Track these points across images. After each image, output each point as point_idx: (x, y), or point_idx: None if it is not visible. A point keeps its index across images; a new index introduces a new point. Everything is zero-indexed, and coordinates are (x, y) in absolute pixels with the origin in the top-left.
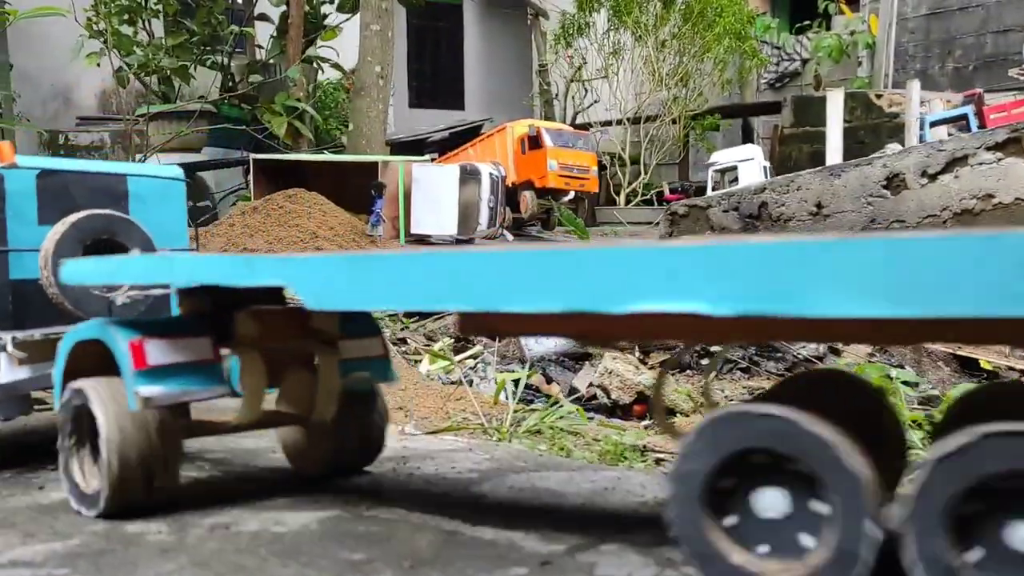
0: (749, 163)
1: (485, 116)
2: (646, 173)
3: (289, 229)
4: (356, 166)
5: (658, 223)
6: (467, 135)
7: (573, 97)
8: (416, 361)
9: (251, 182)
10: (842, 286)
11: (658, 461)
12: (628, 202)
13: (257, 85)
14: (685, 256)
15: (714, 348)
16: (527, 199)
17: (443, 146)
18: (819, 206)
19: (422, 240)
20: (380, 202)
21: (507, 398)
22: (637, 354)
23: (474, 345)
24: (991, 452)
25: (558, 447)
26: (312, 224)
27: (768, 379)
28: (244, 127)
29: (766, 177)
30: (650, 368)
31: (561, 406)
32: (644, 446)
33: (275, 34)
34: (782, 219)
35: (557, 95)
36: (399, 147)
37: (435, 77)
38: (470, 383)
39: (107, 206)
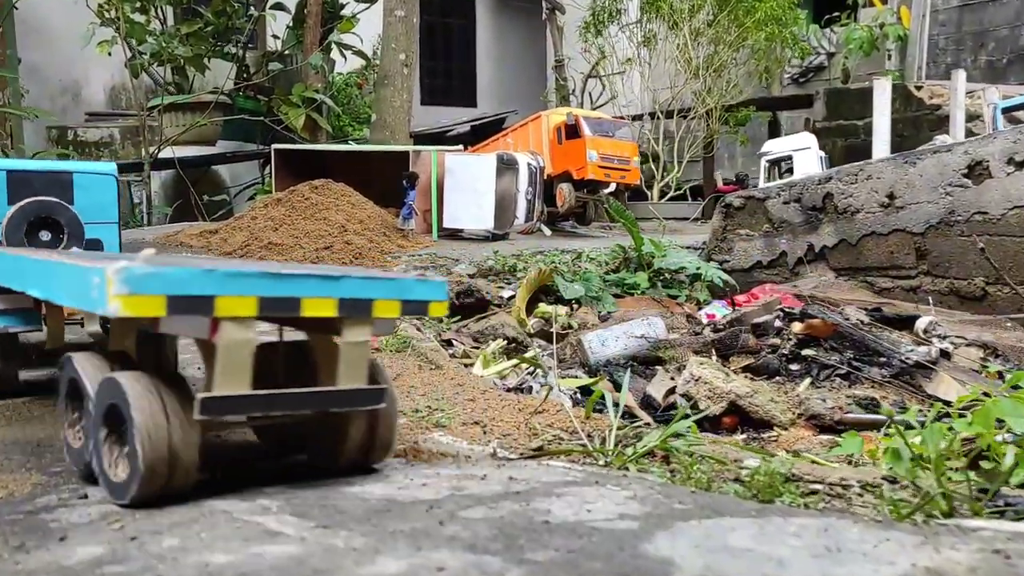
0: (805, 152)
1: (502, 111)
2: (679, 167)
3: (316, 222)
4: (384, 157)
5: (696, 218)
6: (489, 129)
7: (590, 93)
8: (466, 366)
9: (272, 174)
10: None
11: (812, 492)
12: (661, 196)
13: (274, 75)
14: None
15: (806, 352)
16: (564, 192)
17: (463, 141)
18: (891, 197)
19: (455, 235)
20: (412, 194)
21: (568, 401)
22: (714, 358)
23: (528, 348)
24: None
25: (694, 479)
26: (340, 217)
27: (872, 386)
28: (260, 119)
29: (823, 167)
30: (737, 374)
31: (657, 424)
32: (792, 474)
33: (291, 24)
34: (849, 211)
35: (574, 90)
36: (419, 141)
37: (448, 74)
38: (529, 390)
39: (58, 194)
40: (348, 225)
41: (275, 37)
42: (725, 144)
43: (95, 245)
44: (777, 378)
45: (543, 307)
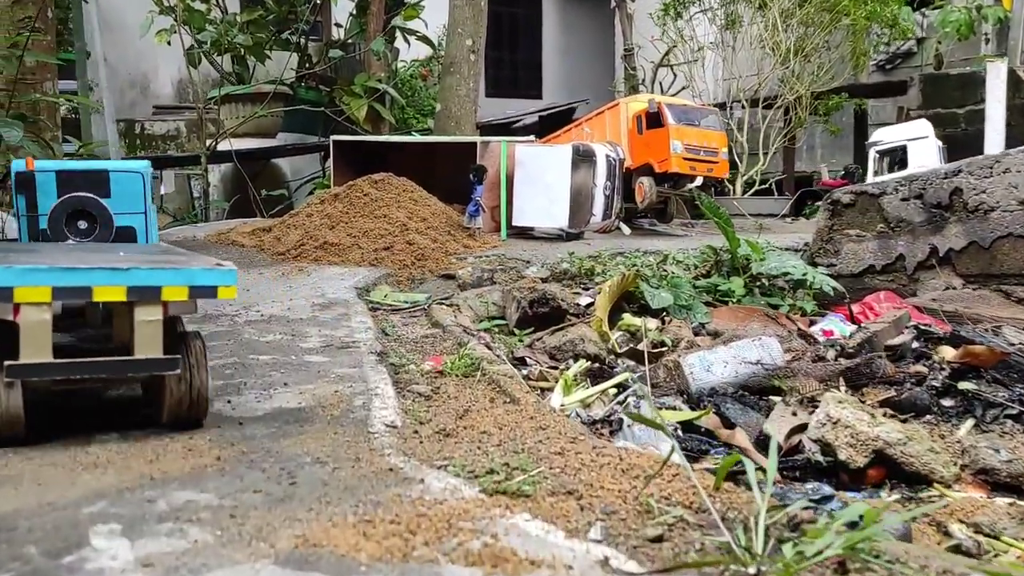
0: (922, 142)
1: (572, 101)
2: (764, 159)
3: (376, 220)
4: (449, 149)
5: (784, 215)
6: (558, 120)
7: (661, 82)
8: (542, 390)
9: (330, 167)
10: None
11: None
12: (745, 191)
13: (336, 62)
14: None
15: (963, 385)
16: (644, 187)
17: (531, 132)
18: None
19: (525, 233)
20: (480, 189)
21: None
22: (843, 388)
23: (615, 370)
24: None
25: None
26: (402, 215)
27: None
28: (320, 110)
29: (942, 159)
30: (885, 415)
31: (786, 479)
32: None
33: (354, 11)
34: (981, 209)
35: (644, 80)
36: (485, 132)
37: (513, 65)
38: (619, 424)
39: (96, 190)
40: (410, 223)
41: (338, 26)
42: (803, 135)
43: (127, 232)
44: (927, 417)
45: (628, 318)
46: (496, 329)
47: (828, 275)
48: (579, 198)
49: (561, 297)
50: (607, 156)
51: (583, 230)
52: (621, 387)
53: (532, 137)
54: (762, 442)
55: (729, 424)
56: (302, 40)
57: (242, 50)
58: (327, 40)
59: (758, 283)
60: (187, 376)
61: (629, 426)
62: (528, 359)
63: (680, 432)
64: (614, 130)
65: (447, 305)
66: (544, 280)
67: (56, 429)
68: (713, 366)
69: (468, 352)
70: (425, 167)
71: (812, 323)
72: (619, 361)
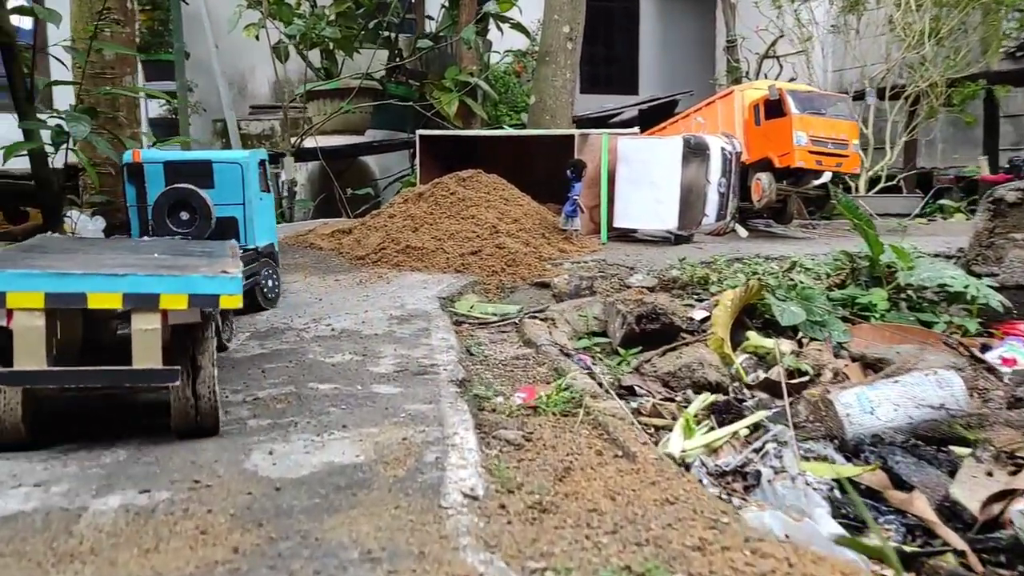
0: None
1: (674, 92)
2: (891, 153)
3: (463, 221)
4: (543, 143)
5: (917, 214)
6: (659, 113)
7: (766, 74)
8: (656, 429)
9: (417, 163)
10: None
11: None
12: (870, 188)
13: (425, 54)
14: None
15: None
16: (763, 183)
17: (630, 127)
18: None
19: (628, 236)
20: (578, 187)
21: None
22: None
23: (744, 404)
24: None
25: None
26: (491, 215)
27: None
28: (409, 105)
29: None
30: None
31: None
32: None
33: (446, 3)
34: None
35: (747, 72)
36: (581, 127)
37: (608, 60)
38: (756, 478)
39: (200, 181)
40: (500, 225)
41: (429, 18)
42: (934, 126)
43: (228, 223)
44: None
45: (755, 338)
46: (597, 348)
47: (992, 287)
48: (690, 196)
49: (672, 310)
50: (723, 149)
51: (694, 232)
52: (754, 428)
53: (636, 129)
54: (948, 510)
55: (899, 483)
56: (392, 34)
57: (330, 44)
58: (419, 33)
59: (903, 295)
60: (191, 388)
61: (770, 481)
62: (638, 388)
63: (837, 492)
64: (727, 121)
65: (541, 319)
66: (651, 290)
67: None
68: (878, 407)
69: (567, 382)
70: (518, 164)
71: (984, 348)
72: (748, 393)
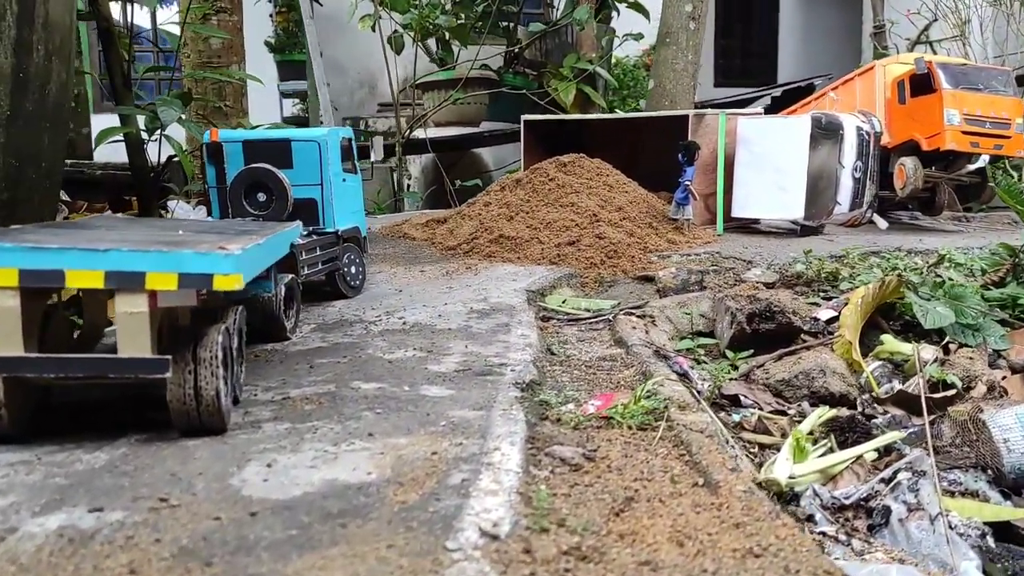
0: None
1: (812, 76)
2: None
3: (561, 209)
4: (655, 126)
5: None
6: (795, 99)
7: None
8: (762, 448)
9: (521, 150)
10: None
11: None
12: None
13: (538, 36)
14: None
15: None
16: (907, 169)
17: (768, 112)
18: None
19: (748, 227)
20: (690, 171)
21: None
22: None
23: (874, 421)
24: None
25: None
26: (593, 203)
27: None
28: (522, 93)
29: None
30: None
31: None
32: None
33: None
34: None
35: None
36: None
37: (745, 52)
38: (884, 515)
39: (279, 161)
40: (602, 213)
41: (550, 6)
42: None
43: (308, 205)
44: None
45: (891, 342)
46: (702, 351)
47: None
48: (819, 183)
49: (792, 309)
50: (858, 129)
51: (824, 223)
52: (885, 451)
53: (759, 109)
54: None
55: None
56: (512, 24)
57: (446, 34)
58: (545, 23)
59: None
60: (192, 383)
61: (902, 521)
62: (743, 398)
63: (991, 539)
64: (867, 100)
65: (638, 316)
66: (770, 285)
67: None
68: None
69: (652, 389)
70: (630, 150)
71: None
72: (878, 408)
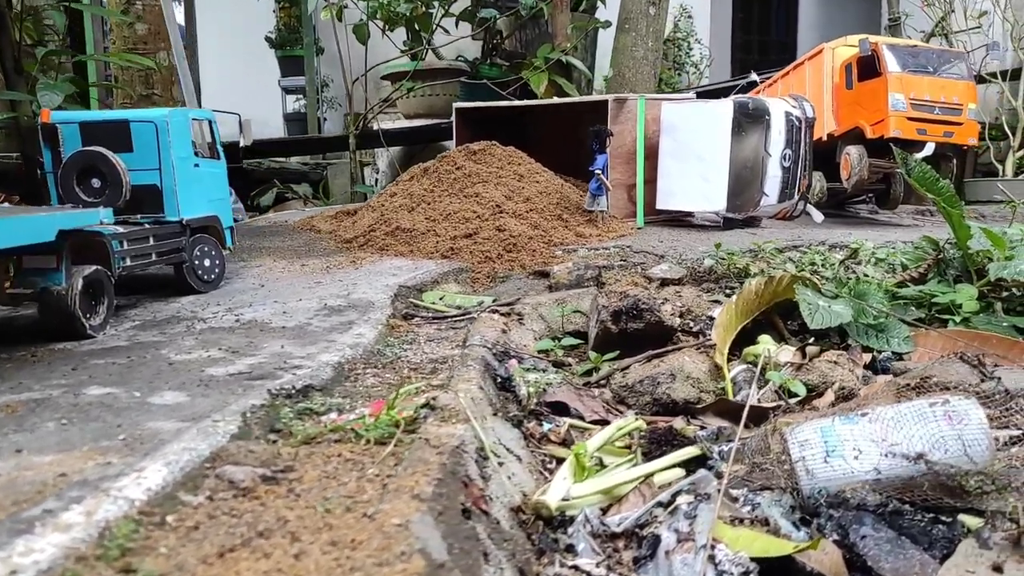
0: None
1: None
2: None
3: (464, 200)
4: (579, 112)
5: None
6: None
7: None
8: (558, 462)
9: (453, 142)
10: None
11: None
12: (1018, 173)
13: (519, 25)
14: None
15: None
16: (851, 158)
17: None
18: None
19: (675, 220)
20: (601, 160)
21: None
22: None
23: (701, 434)
24: None
25: None
26: (499, 193)
27: None
28: (499, 84)
29: None
30: None
31: None
32: None
33: None
34: None
35: None
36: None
37: (763, 46)
38: (654, 545)
39: (118, 142)
40: (507, 204)
41: None
42: None
43: (149, 191)
44: None
45: (765, 342)
46: (562, 351)
47: None
48: (744, 172)
49: (659, 308)
50: (787, 114)
51: (751, 215)
52: (694, 465)
53: (691, 94)
54: None
55: (864, 568)
56: (493, 16)
57: (404, 18)
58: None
59: (1004, 295)
60: None
61: (668, 553)
62: (572, 406)
63: None
64: (815, 85)
65: (503, 313)
66: (677, 281)
67: None
68: (840, 451)
69: (437, 396)
70: (570, 140)
71: None
72: (711, 425)
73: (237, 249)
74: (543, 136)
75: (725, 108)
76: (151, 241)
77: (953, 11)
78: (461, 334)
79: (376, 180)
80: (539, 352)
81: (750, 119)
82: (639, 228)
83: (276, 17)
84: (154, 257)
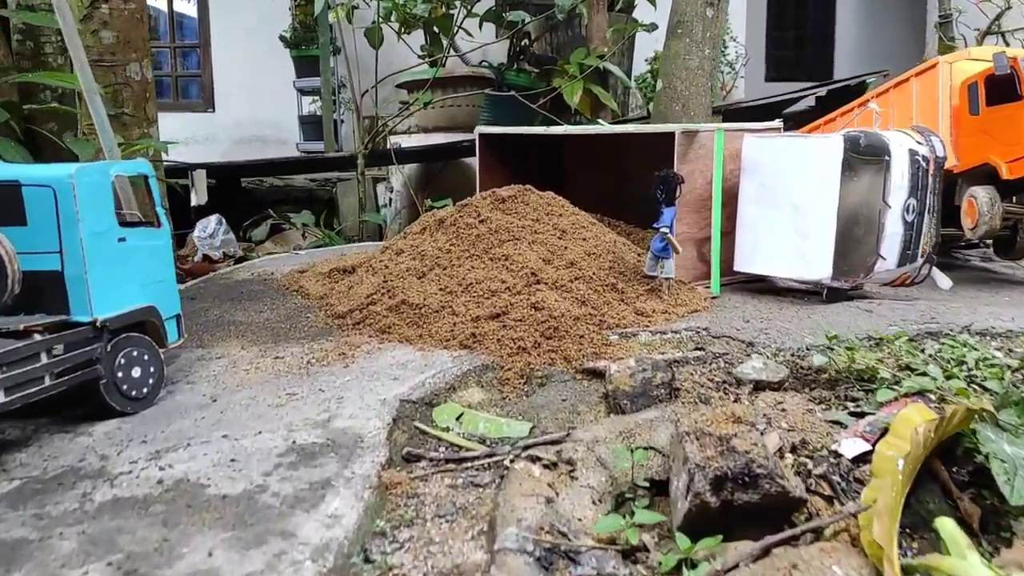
0: None
1: (865, 73)
2: None
3: (489, 264)
4: (639, 145)
5: None
6: (847, 99)
7: None
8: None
9: (477, 173)
10: None
11: None
12: None
13: (552, 27)
14: None
15: None
16: (979, 203)
17: (805, 119)
18: None
19: (757, 284)
20: (670, 214)
21: None
22: None
23: None
24: None
25: None
26: (534, 256)
27: None
28: (527, 94)
29: None
30: None
31: None
32: None
33: None
34: None
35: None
36: (739, 118)
37: (799, 43)
38: None
39: (7, 212)
40: (545, 270)
41: None
42: None
43: (49, 280)
44: None
45: (951, 537)
46: (635, 534)
47: None
48: (854, 229)
49: (779, 471)
50: (912, 153)
51: (861, 282)
52: None
53: (777, 123)
54: None
55: None
56: (523, 18)
57: (421, 20)
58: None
59: None
60: None
61: None
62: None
63: None
64: (927, 109)
65: (548, 463)
66: (777, 385)
67: None
68: None
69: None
70: (617, 175)
71: None
72: None
73: (200, 325)
74: (581, 162)
75: (833, 145)
76: (44, 359)
77: (1011, 7)
78: (487, 497)
79: (390, 200)
80: (602, 539)
81: (864, 159)
82: (715, 295)
83: (292, 15)
84: (49, 381)
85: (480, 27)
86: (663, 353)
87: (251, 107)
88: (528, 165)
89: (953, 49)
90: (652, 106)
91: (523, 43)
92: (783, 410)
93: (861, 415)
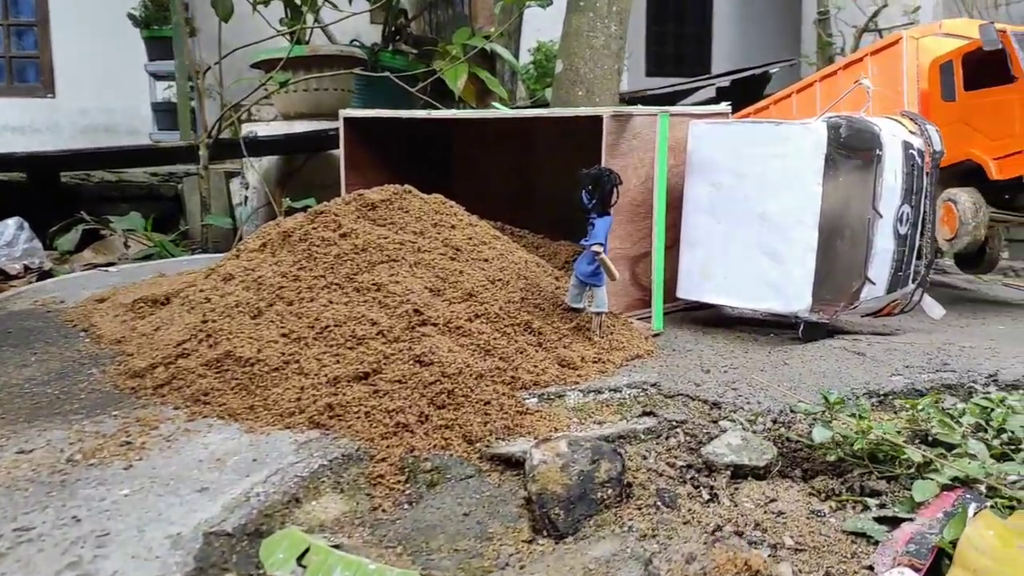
0: None
1: (772, 61)
2: None
3: (356, 298)
4: (552, 132)
5: None
6: (750, 90)
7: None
8: None
9: (342, 167)
10: None
11: None
12: None
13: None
14: None
15: None
16: (960, 209)
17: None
18: None
19: (704, 313)
20: (602, 227)
21: None
22: None
23: None
24: None
25: None
26: (419, 284)
27: None
28: (404, 77)
29: None
30: None
31: None
32: None
33: None
34: None
35: (843, 50)
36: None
37: (678, 39)
38: None
39: None
40: (434, 306)
41: None
42: None
43: None
44: None
45: None
46: None
47: None
48: (838, 244)
49: None
50: (906, 146)
51: (841, 313)
52: None
53: (724, 107)
54: None
55: None
56: None
57: None
58: None
59: None
60: None
61: None
62: None
63: None
64: (886, 95)
65: None
66: (762, 473)
67: None
68: None
69: None
70: (521, 171)
71: None
72: None
73: None
74: (475, 157)
75: (814, 133)
76: None
77: (887, 4)
78: None
79: (245, 199)
80: None
81: (850, 153)
82: (657, 332)
83: None
84: None
85: (350, 1)
86: (601, 423)
87: (98, 93)
88: (408, 161)
89: (831, 46)
90: (551, 91)
91: (399, 21)
92: (779, 513)
93: (894, 521)
